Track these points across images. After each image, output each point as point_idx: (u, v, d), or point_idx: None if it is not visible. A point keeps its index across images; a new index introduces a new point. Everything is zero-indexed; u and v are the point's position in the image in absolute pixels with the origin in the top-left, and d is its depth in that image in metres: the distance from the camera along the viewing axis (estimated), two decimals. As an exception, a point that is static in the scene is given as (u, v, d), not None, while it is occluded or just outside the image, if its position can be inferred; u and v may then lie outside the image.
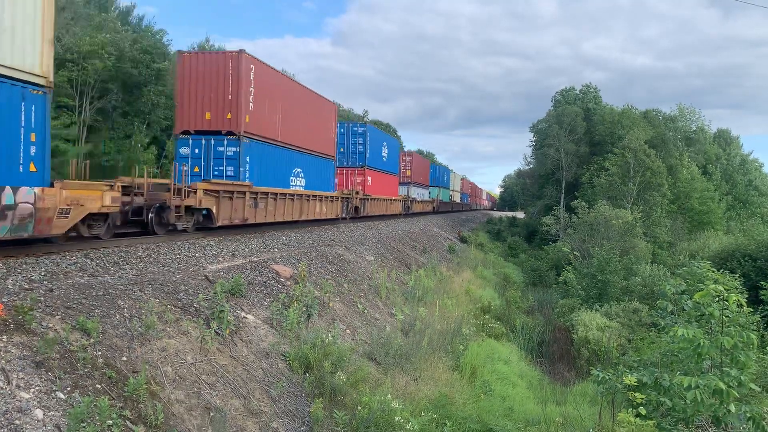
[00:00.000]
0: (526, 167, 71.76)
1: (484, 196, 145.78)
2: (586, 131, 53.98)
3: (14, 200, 8.67)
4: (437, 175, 62.83)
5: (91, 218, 11.40)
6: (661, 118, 53.67)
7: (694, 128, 57.13)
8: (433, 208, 57.13)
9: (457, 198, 79.33)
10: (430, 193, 57.51)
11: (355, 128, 32.63)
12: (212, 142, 17.30)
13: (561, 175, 53.18)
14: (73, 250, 10.60)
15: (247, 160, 17.47)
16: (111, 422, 5.53)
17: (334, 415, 7.83)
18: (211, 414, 6.85)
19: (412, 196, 46.49)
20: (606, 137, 51.09)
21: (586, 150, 53.15)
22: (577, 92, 60.67)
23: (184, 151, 17.45)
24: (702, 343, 6.67)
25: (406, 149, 72.45)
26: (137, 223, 13.75)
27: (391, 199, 37.69)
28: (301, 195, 21.58)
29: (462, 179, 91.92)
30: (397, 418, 8.10)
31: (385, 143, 37.11)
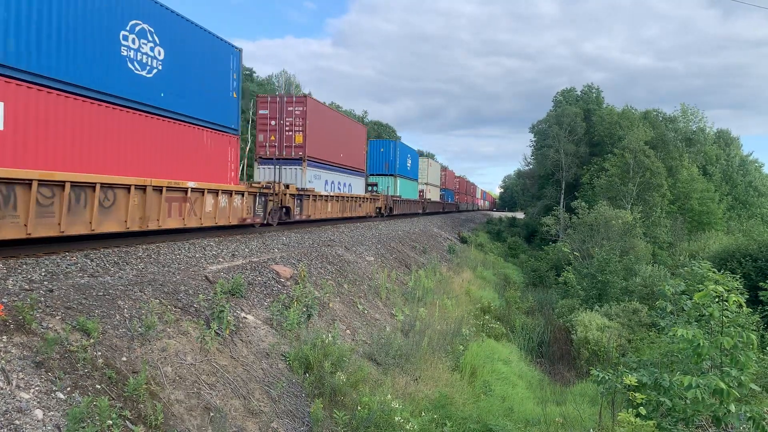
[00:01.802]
0: (526, 168, 71.83)
1: (478, 195, 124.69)
2: (585, 132, 54.06)
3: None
4: (391, 158, 39.51)
5: None
6: (661, 118, 53.76)
7: (694, 128, 57.21)
8: (379, 209, 34.37)
9: (434, 195, 57.27)
10: (375, 186, 36.18)
11: None
12: None
13: (561, 176, 53.22)
14: (73, 250, 10.60)
15: None
16: (111, 422, 5.53)
17: (334, 415, 7.84)
18: (211, 414, 6.85)
19: (306, 188, 22.66)
20: (605, 138, 51.16)
21: (585, 150, 53.23)
22: (578, 93, 60.72)
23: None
24: (702, 344, 6.68)
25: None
26: None
27: (182, 189, 13.80)
28: None
29: (444, 171, 69.63)
30: (397, 419, 8.11)
31: (145, 27, 12.67)
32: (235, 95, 16.82)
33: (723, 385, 6.27)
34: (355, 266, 16.89)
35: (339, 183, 27.86)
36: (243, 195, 16.87)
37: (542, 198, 57.97)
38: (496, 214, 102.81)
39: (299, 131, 23.34)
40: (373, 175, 38.08)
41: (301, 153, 23.33)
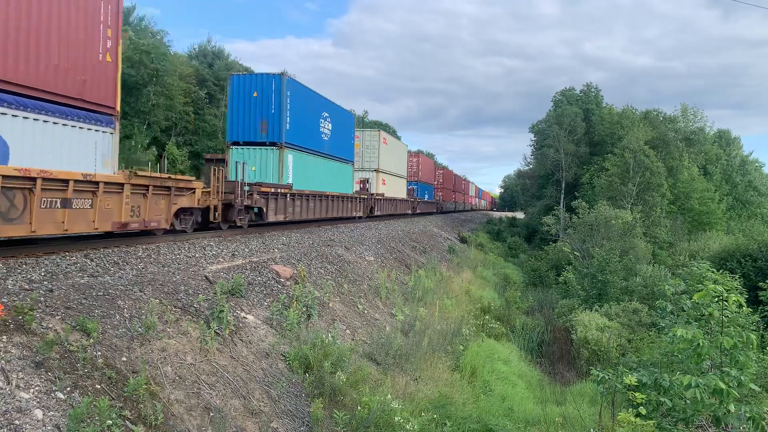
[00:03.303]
0: (526, 167, 71.76)
1: (472, 193, 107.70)
2: (585, 131, 54.04)
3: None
4: (273, 111, 19.98)
5: None
6: (661, 118, 53.72)
7: (695, 128, 57.16)
8: (201, 213, 15.37)
9: (394, 190, 38.37)
10: (221, 162, 19.82)
11: None
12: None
13: (561, 176, 53.19)
14: (73, 250, 10.60)
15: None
16: (111, 422, 5.53)
17: (334, 415, 7.84)
18: (211, 414, 6.85)
19: None
20: (606, 137, 51.15)
21: (586, 150, 53.22)
22: (578, 93, 60.65)
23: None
24: (701, 344, 6.68)
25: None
26: None
27: None
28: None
29: (416, 157, 49.66)
30: (396, 418, 8.11)
31: None
32: None
33: (723, 385, 6.27)
34: (355, 266, 16.89)
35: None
36: None
37: (542, 198, 57.92)
38: (497, 214, 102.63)
39: None
40: (238, 144, 20.70)
41: None
